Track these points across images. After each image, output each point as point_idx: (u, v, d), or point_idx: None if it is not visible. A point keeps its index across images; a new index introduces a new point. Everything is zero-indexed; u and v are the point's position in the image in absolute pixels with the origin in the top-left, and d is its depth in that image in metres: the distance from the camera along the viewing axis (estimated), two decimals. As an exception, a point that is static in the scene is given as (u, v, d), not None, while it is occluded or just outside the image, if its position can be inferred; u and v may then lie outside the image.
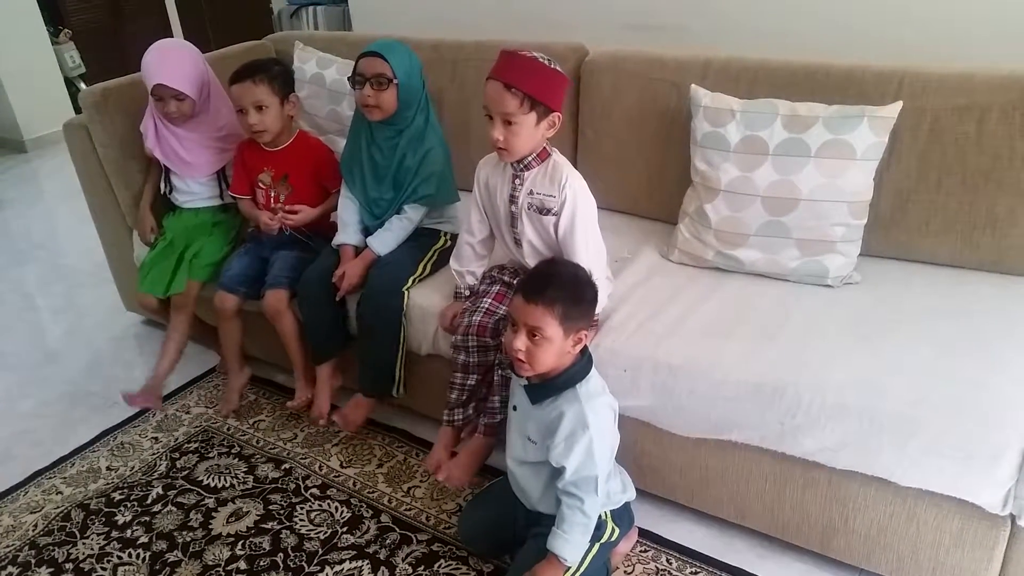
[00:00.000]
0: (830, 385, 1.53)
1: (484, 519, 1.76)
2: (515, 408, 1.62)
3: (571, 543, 1.48)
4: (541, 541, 1.52)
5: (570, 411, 1.48)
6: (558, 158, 1.75)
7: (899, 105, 1.79)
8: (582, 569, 1.53)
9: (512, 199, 1.78)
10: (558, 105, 1.67)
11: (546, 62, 1.65)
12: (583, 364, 1.53)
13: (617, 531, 1.62)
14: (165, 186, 2.37)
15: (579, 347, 1.51)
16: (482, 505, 1.80)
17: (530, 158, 1.73)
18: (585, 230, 1.73)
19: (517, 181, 1.76)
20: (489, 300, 1.83)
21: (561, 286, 1.46)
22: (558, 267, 1.57)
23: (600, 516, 1.56)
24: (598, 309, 1.77)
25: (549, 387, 1.51)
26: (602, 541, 1.58)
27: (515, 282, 1.85)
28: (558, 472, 1.49)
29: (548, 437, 1.50)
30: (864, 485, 1.55)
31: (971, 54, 2.07)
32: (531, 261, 1.83)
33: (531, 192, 1.75)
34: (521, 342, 1.46)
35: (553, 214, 1.73)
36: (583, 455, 1.46)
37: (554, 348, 1.45)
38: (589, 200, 1.74)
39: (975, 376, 1.50)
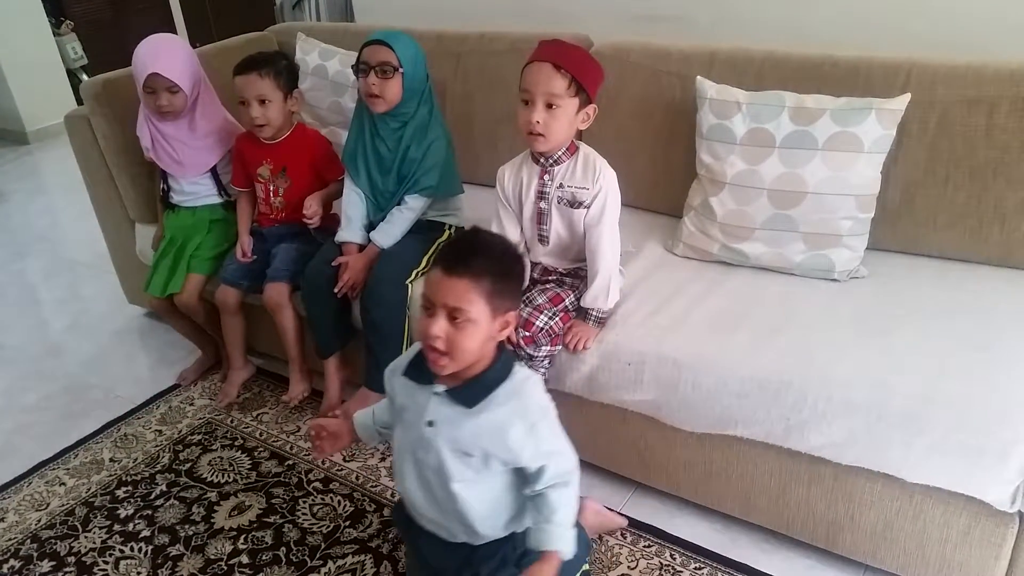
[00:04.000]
0: (836, 381, 1.51)
1: None
2: (431, 423, 1.25)
3: (567, 531, 1.26)
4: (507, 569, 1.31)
5: (516, 403, 1.24)
6: (587, 150, 1.75)
7: (907, 97, 1.77)
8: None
9: (541, 195, 1.77)
10: (594, 97, 1.68)
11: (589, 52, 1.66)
12: (505, 359, 1.27)
13: None
14: (164, 187, 2.34)
15: (505, 333, 1.24)
16: None
17: (560, 152, 1.72)
18: (611, 222, 1.73)
19: (546, 177, 1.75)
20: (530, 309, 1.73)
21: (488, 256, 1.20)
22: (482, 236, 1.29)
23: None
24: (611, 303, 1.76)
25: (480, 385, 1.24)
26: None
27: (565, 278, 1.83)
28: (534, 475, 1.25)
29: (498, 443, 1.23)
30: (870, 481, 1.54)
31: (982, 46, 2.04)
32: (551, 259, 1.83)
33: (561, 186, 1.74)
34: (440, 327, 1.17)
35: (584, 207, 1.72)
36: (550, 435, 1.26)
37: (480, 333, 1.18)
38: (618, 193, 1.74)
39: (983, 372, 1.48)
